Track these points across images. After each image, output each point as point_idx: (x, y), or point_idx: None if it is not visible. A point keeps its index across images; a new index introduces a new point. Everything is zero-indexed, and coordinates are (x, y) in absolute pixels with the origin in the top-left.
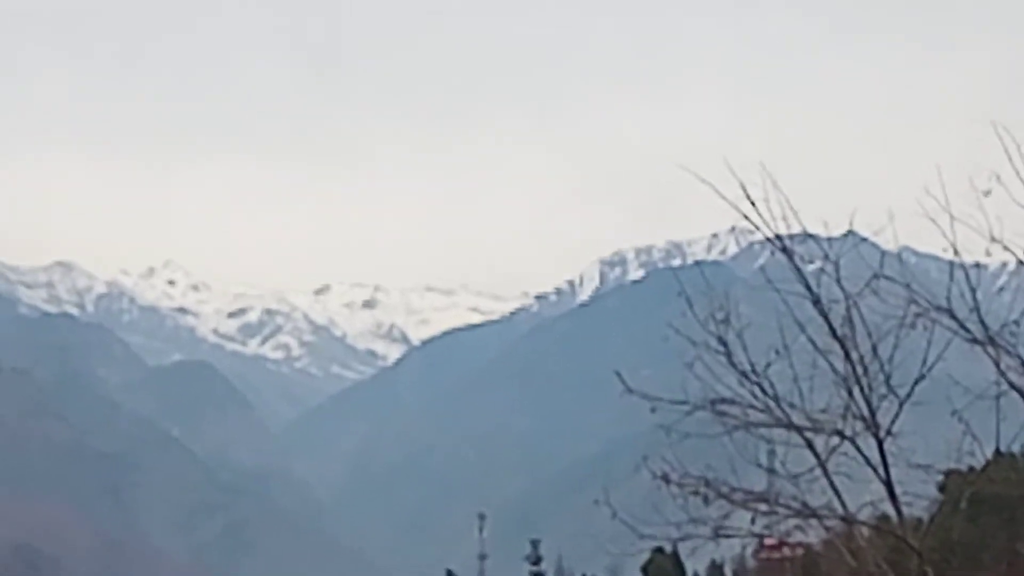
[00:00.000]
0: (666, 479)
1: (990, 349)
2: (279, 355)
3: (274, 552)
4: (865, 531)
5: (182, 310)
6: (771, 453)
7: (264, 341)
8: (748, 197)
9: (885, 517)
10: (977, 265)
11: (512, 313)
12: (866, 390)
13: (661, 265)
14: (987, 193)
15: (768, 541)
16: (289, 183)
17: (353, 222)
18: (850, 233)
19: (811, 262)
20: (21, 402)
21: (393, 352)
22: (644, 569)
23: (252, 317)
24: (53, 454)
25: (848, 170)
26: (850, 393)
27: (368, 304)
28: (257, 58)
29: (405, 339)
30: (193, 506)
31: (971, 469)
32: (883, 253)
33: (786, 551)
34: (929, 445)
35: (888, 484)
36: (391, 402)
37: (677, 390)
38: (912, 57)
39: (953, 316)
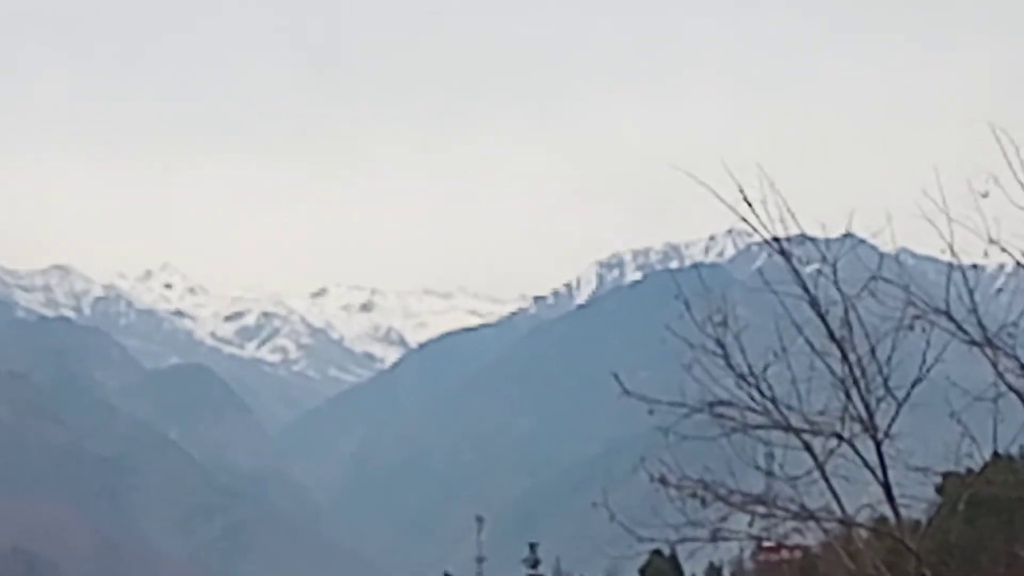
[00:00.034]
0: (664, 481)
1: (988, 351)
2: (276, 358)
3: (272, 554)
4: (863, 533)
5: (179, 313)
6: (769, 455)
7: (261, 344)
8: (746, 199)
9: (883, 519)
10: (975, 267)
11: (510, 315)
12: (864, 392)
13: (659, 267)
14: (985, 195)
15: (766, 543)
16: (286, 186)
17: (351, 225)
18: (848, 235)
19: (809, 264)
20: (19, 405)
21: (391, 355)
22: (642, 571)
23: (249, 320)
24: (51, 457)
25: (846, 171)
26: (848, 395)
27: (365, 307)
28: (255, 60)
29: (403, 342)
30: (191, 508)
31: (969, 471)
32: (881, 255)
33: (784, 553)
34: (927, 447)
35: (886, 486)
36: (389, 405)
37: (675, 392)
38: (912, 57)
39: (951, 318)
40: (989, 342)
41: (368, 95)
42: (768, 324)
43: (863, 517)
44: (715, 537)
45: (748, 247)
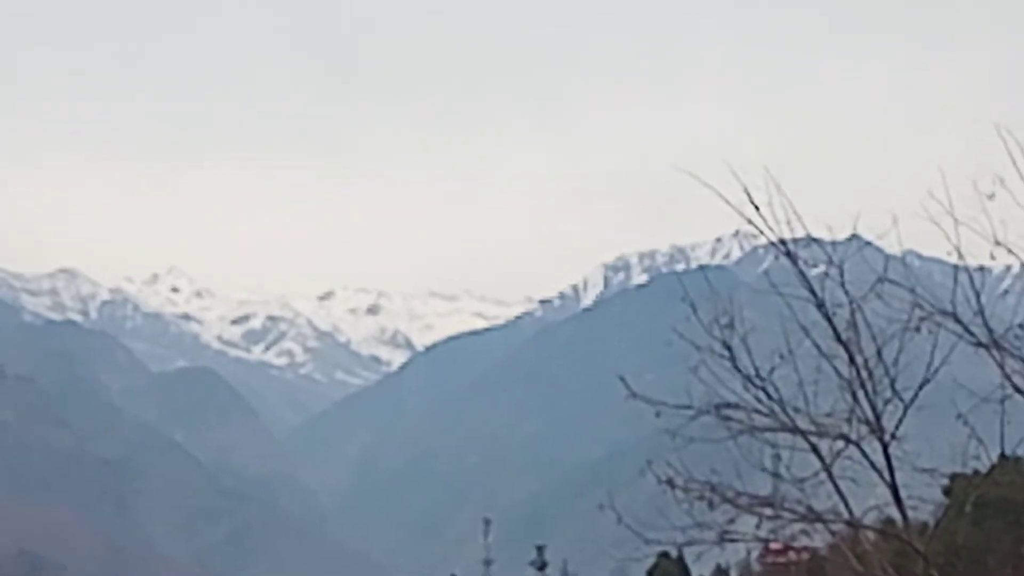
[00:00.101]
0: (671, 484)
1: (995, 352)
2: (283, 361)
3: (278, 558)
4: (870, 535)
5: (186, 316)
6: (776, 457)
7: (268, 347)
8: (752, 201)
9: (890, 521)
10: (981, 268)
11: (516, 318)
12: (871, 394)
13: (665, 270)
14: (991, 196)
15: (773, 545)
16: (292, 188)
17: (357, 227)
18: (854, 237)
19: (815, 266)
20: (25, 409)
21: (397, 358)
22: (649, 573)
23: (256, 323)
24: (56, 459)
25: (851, 172)
26: (855, 397)
27: (372, 310)
28: (261, 62)
29: (409, 345)
30: (196, 512)
31: (976, 473)
32: (887, 257)
33: (791, 555)
34: (934, 449)
35: (893, 488)
36: (395, 408)
37: (681, 394)
38: (912, 57)
39: (957, 320)
40: (996, 344)
41: (373, 97)
42: (774, 326)
43: (870, 519)
44: (722, 539)
45: (754, 249)
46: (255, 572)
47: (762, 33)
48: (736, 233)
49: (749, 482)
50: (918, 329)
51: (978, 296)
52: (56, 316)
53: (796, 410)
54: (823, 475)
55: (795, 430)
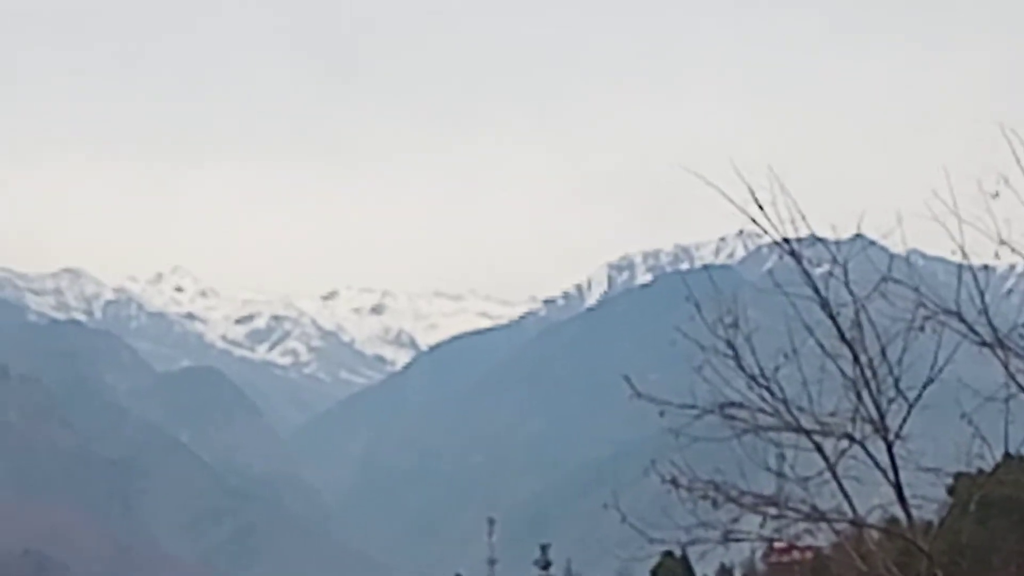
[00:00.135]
0: (675, 483)
1: (999, 352)
2: (287, 361)
3: (282, 557)
4: (875, 534)
5: (190, 316)
6: (780, 457)
7: (272, 347)
8: (756, 200)
9: (895, 520)
10: (985, 268)
11: (520, 318)
12: (875, 393)
13: (669, 269)
14: (995, 195)
15: (778, 545)
16: (297, 188)
17: (361, 227)
18: (858, 236)
19: (819, 265)
20: (30, 408)
21: (401, 357)
22: (653, 573)
23: (260, 323)
24: (61, 460)
25: (853, 172)
26: (859, 396)
27: (376, 309)
28: (264, 62)
29: (413, 344)
30: (201, 511)
31: (980, 472)
32: (891, 256)
33: (796, 555)
34: (938, 448)
35: (897, 487)
36: (399, 407)
37: (686, 394)
38: (912, 57)
39: (962, 319)
40: (1000, 343)
41: (377, 97)
42: (779, 326)
43: (874, 518)
44: (726, 538)
45: (758, 249)
46: (259, 571)
47: (762, 33)
48: (740, 232)
49: (753, 481)
50: (922, 328)
51: (982, 295)
52: (60, 316)
53: (800, 409)
54: (827, 474)
55: (799, 429)
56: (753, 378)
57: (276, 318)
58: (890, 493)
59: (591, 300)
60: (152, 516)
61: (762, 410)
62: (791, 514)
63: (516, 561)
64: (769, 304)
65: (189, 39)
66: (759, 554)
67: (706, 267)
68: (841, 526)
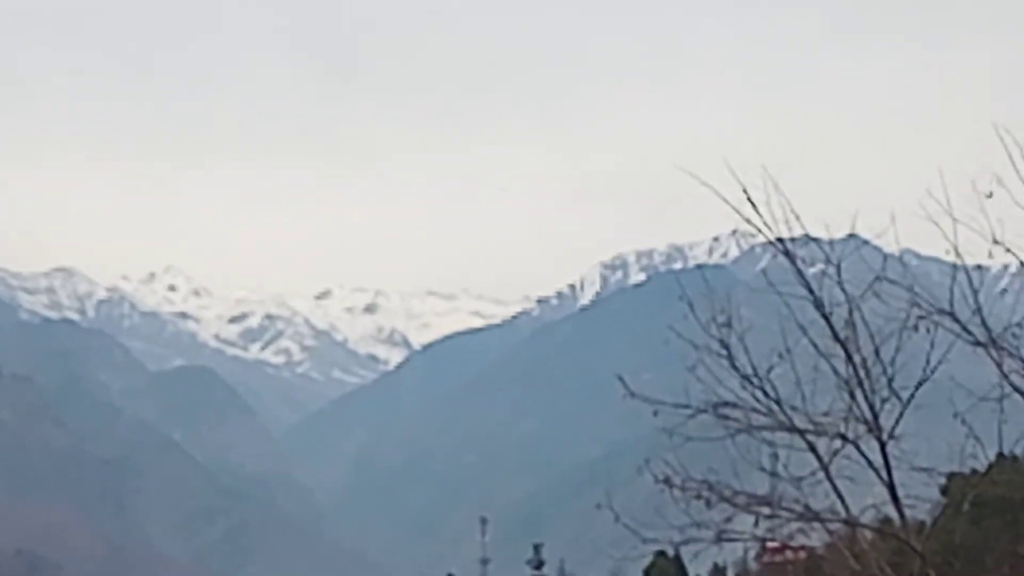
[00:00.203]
0: (668, 483)
1: (992, 351)
2: (280, 360)
3: (275, 557)
4: (868, 534)
5: (183, 315)
6: (773, 456)
7: (265, 346)
8: (750, 200)
9: (888, 520)
10: (979, 267)
11: (513, 317)
12: (868, 393)
13: (662, 268)
14: (989, 195)
15: (771, 544)
16: (290, 187)
17: (354, 226)
18: (852, 236)
19: (813, 265)
20: (22, 408)
21: (394, 356)
22: (646, 572)
23: (253, 322)
24: (54, 459)
25: (850, 172)
26: (852, 396)
27: (369, 309)
28: (258, 61)
29: (406, 343)
30: (194, 511)
31: (974, 472)
32: (885, 256)
33: (789, 554)
34: (932, 448)
35: (891, 487)
36: (392, 406)
37: (679, 393)
38: (912, 57)
39: (955, 319)
40: (994, 343)
41: (373, 97)
42: (772, 325)
43: (868, 518)
44: (720, 538)
45: (752, 248)
46: (253, 570)
47: (762, 33)
48: (734, 232)
49: (747, 481)
50: (916, 328)
51: (976, 295)
52: (53, 315)
53: (794, 409)
54: (821, 474)
55: (793, 429)
56: (747, 378)
57: (269, 317)
58: (883, 493)
59: (584, 299)
60: (145, 515)
61: (755, 410)
62: (784, 514)
63: (509, 561)
64: (762, 303)
65: (189, 39)
66: (752, 554)
67: (700, 266)
68: (834, 526)
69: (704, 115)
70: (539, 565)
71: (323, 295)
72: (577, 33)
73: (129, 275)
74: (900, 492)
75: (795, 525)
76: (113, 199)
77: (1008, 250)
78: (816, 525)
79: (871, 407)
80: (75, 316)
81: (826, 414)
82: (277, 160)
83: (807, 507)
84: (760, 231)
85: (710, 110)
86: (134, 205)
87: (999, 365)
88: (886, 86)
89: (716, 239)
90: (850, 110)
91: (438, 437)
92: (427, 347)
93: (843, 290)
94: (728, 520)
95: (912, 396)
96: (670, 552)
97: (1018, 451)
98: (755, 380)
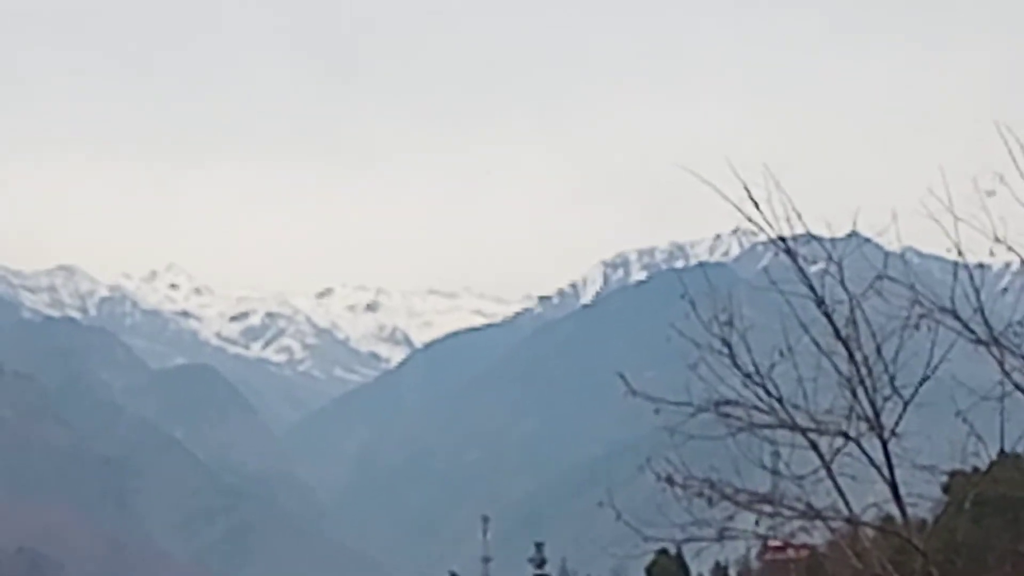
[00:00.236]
0: (670, 481)
1: (994, 350)
2: (282, 358)
3: (277, 555)
4: (870, 532)
5: (185, 314)
6: (775, 455)
7: (267, 344)
8: (751, 198)
9: (890, 518)
10: (981, 266)
11: (515, 315)
12: (870, 391)
13: (664, 267)
14: (991, 193)
15: (773, 543)
16: (291, 186)
17: (356, 225)
18: (853, 234)
19: (814, 263)
20: (24, 406)
21: (396, 355)
22: (648, 571)
23: (255, 320)
24: (56, 458)
25: (851, 171)
26: (854, 394)
27: (371, 307)
28: (260, 61)
29: (408, 342)
30: (196, 509)
31: (975, 470)
32: (886, 254)
33: (791, 552)
34: (933, 446)
35: (893, 485)
36: (394, 405)
37: (681, 392)
38: (912, 57)
39: (957, 317)
40: (995, 341)
41: (373, 96)
42: (774, 323)
43: (870, 516)
44: (721, 536)
45: (753, 246)
46: (254, 569)
47: (762, 33)
48: (735, 230)
49: (748, 479)
50: (917, 326)
51: (977, 293)
52: (55, 313)
53: (795, 407)
54: (822, 472)
55: (794, 427)
56: (748, 376)
57: (270, 315)
58: (885, 491)
59: (586, 298)
60: (146, 514)
61: (757, 408)
62: (786, 512)
63: (511, 559)
64: (764, 302)
65: (189, 39)
66: (754, 552)
67: (701, 265)
68: (836, 524)
69: (704, 115)
70: (541, 563)
71: (324, 293)
72: (577, 33)
73: (131, 273)
74: (902, 490)
75: (797, 523)
76: (114, 198)
77: (1010, 248)
78: (818, 523)
79: (873, 405)
80: (77, 314)
81: (828, 412)
82: (278, 159)
83: (809, 505)
84: (762, 229)
85: (710, 110)
86: (135, 204)
87: (1001, 363)
88: (886, 86)
89: (718, 237)
90: (850, 110)
91: (439, 436)
92: (428, 346)
93: (845, 288)
94: (730, 518)
95: (914, 394)
96: (672, 550)
97: (1020, 449)
98: (757, 378)
